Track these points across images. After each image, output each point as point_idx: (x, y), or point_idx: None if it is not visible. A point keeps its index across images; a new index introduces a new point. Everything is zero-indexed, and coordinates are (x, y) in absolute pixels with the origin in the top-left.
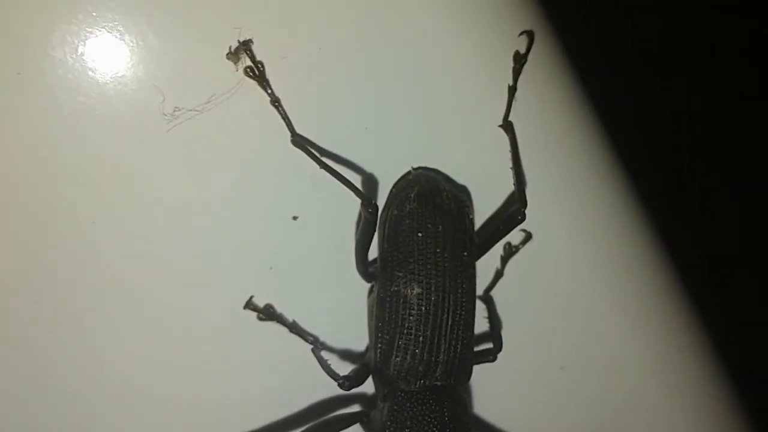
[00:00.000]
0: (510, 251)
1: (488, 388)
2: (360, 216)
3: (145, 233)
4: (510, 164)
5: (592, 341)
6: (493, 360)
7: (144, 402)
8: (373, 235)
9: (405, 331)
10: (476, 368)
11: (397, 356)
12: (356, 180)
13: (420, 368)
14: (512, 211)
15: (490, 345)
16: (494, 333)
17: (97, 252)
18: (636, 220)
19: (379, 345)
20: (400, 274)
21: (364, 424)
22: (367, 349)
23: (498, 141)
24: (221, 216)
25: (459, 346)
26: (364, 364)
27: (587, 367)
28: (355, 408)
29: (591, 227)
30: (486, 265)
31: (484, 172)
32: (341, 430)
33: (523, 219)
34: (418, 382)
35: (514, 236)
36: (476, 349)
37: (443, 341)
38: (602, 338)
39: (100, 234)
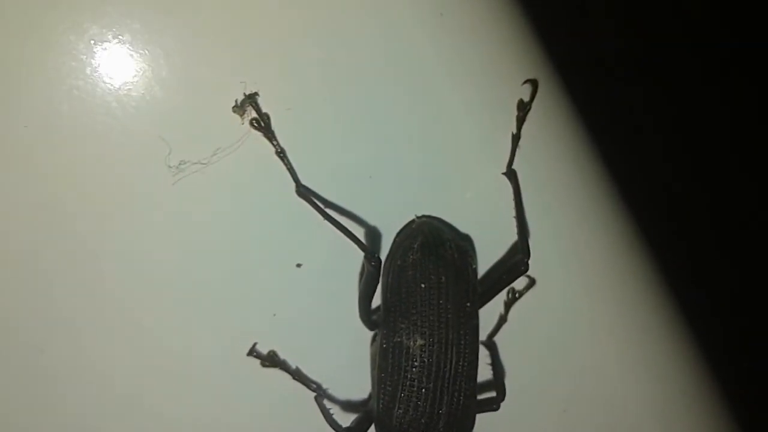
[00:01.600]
0: (513, 297)
1: None
2: (363, 267)
3: (150, 282)
4: (513, 213)
5: (594, 384)
6: (497, 409)
7: None
8: (376, 286)
9: (407, 383)
10: (479, 416)
11: (399, 408)
12: (360, 231)
13: (423, 420)
14: (515, 260)
15: (493, 393)
16: (497, 381)
17: (102, 300)
18: (640, 268)
19: (382, 396)
20: (403, 326)
21: None
22: (370, 396)
23: (501, 188)
24: (226, 264)
25: (462, 398)
26: (366, 412)
27: (590, 408)
28: None
29: (594, 274)
30: (489, 311)
31: (487, 220)
32: None
33: (527, 269)
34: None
35: (518, 282)
36: (479, 397)
37: (446, 393)
38: (604, 380)
39: (107, 282)
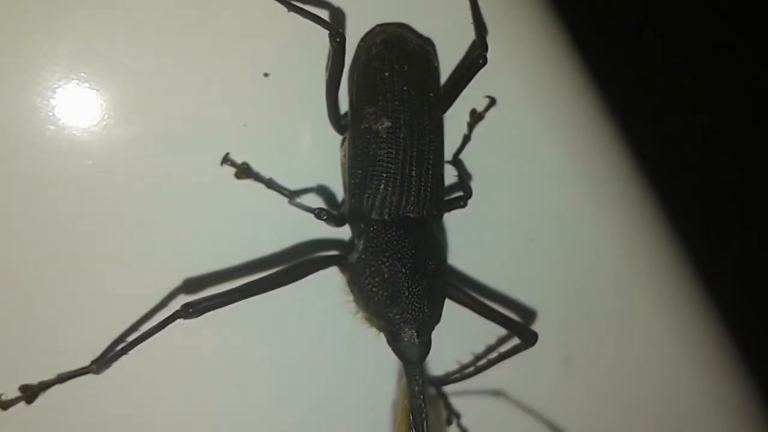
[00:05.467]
0: (476, 117)
1: None
2: (329, 56)
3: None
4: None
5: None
6: (464, 206)
7: None
8: (342, 71)
9: (377, 164)
10: None
11: (369, 189)
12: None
13: (393, 199)
14: (474, 56)
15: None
16: (464, 184)
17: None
18: None
19: (353, 181)
20: (370, 110)
21: (341, 266)
22: (342, 202)
23: None
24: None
25: (429, 180)
26: (340, 214)
27: (555, 236)
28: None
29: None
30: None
31: (445, 25)
32: (317, 270)
33: (485, 63)
34: (392, 213)
35: (479, 103)
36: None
37: (413, 174)
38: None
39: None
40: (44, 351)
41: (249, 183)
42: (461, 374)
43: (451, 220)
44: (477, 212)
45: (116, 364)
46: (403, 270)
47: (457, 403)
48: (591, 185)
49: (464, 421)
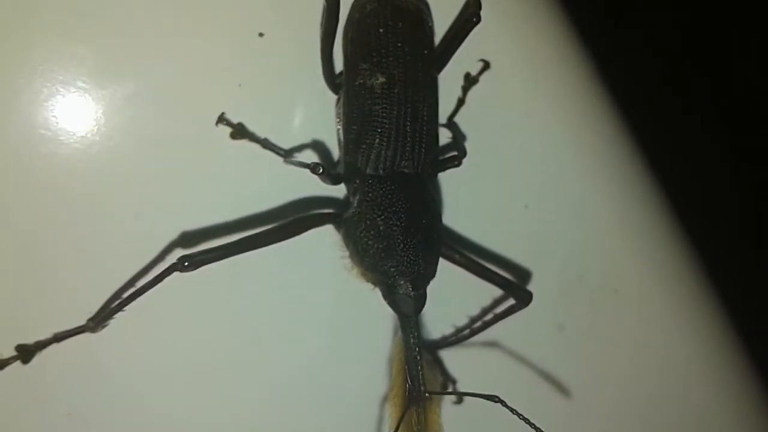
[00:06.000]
0: (470, 80)
1: None
2: (323, 15)
3: None
4: None
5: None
6: (458, 165)
7: None
8: (336, 29)
9: (372, 120)
10: None
11: (364, 144)
12: None
13: (388, 154)
14: (468, 14)
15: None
16: (458, 144)
17: None
18: None
19: (348, 137)
20: (364, 66)
21: (336, 224)
22: (338, 161)
23: None
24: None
25: (424, 136)
26: (336, 172)
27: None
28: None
29: None
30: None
31: None
32: (312, 227)
33: (479, 21)
34: (387, 168)
35: (473, 67)
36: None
37: (408, 130)
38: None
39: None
40: (41, 310)
41: (244, 143)
42: (457, 337)
43: (445, 187)
44: (470, 178)
45: (113, 323)
46: (398, 223)
47: (453, 371)
48: (585, 152)
49: (460, 388)
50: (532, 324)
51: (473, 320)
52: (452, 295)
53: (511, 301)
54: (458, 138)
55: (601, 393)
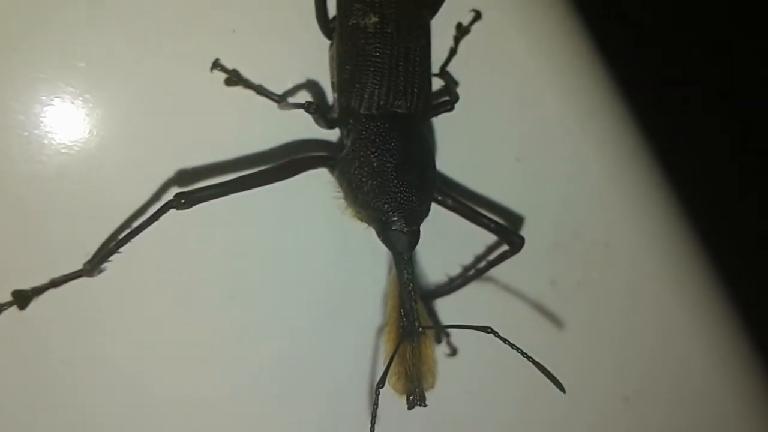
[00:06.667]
0: (462, 30)
1: None
2: None
3: None
4: None
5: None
6: (451, 109)
7: None
8: None
9: (365, 60)
10: None
11: (358, 83)
12: None
13: (381, 93)
14: None
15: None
16: (450, 90)
17: None
18: None
19: (341, 77)
20: (357, 6)
21: (330, 167)
22: (331, 106)
23: None
24: None
25: (417, 77)
26: (330, 116)
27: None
28: None
29: None
30: None
31: None
32: (306, 170)
33: None
34: (380, 107)
35: (465, 17)
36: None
37: (401, 70)
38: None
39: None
40: (37, 256)
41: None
42: (450, 286)
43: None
44: (461, 131)
45: (109, 269)
46: (392, 160)
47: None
48: (577, 107)
49: (453, 340)
50: (525, 279)
51: (466, 269)
52: (445, 244)
53: (503, 248)
54: (450, 84)
55: (593, 343)
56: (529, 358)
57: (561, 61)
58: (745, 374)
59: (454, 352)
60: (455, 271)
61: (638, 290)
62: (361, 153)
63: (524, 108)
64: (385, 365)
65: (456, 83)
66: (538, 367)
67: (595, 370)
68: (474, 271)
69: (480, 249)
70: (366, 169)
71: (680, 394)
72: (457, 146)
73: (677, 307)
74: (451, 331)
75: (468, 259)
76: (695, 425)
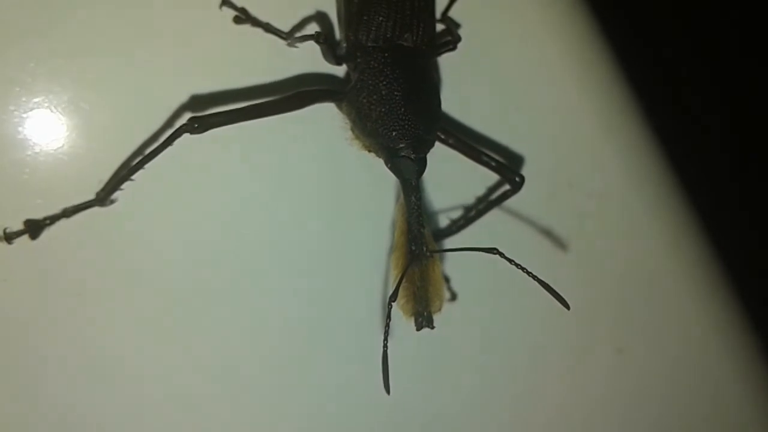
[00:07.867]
0: None
1: None
2: None
3: None
4: None
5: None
6: (454, 48)
7: None
8: None
9: None
10: None
11: (365, 16)
12: None
13: (387, 25)
14: None
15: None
16: (452, 31)
17: None
18: None
19: (349, 11)
20: None
21: (338, 101)
22: (339, 43)
23: None
24: None
25: (421, 13)
26: (339, 53)
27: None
28: None
29: None
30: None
31: None
32: (315, 102)
33: None
34: (386, 40)
35: None
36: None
37: (407, 4)
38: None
39: None
40: (49, 186)
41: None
42: (453, 227)
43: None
44: (456, 87)
45: (121, 203)
46: (399, 89)
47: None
48: (574, 63)
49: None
50: (522, 229)
51: (468, 209)
52: (446, 187)
53: (504, 188)
54: (452, 27)
55: (588, 297)
56: (533, 276)
57: (562, 13)
58: (740, 326)
59: (454, 296)
60: (457, 213)
61: (633, 243)
62: (370, 82)
63: (525, 58)
64: (395, 285)
65: (458, 25)
66: (542, 285)
67: (589, 323)
68: (475, 212)
69: (480, 191)
70: (374, 96)
71: (675, 347)
72: (452, 102)
73: (672, 264)
74: (452, 274)
75: (470, 200)
76: (690, 380)
